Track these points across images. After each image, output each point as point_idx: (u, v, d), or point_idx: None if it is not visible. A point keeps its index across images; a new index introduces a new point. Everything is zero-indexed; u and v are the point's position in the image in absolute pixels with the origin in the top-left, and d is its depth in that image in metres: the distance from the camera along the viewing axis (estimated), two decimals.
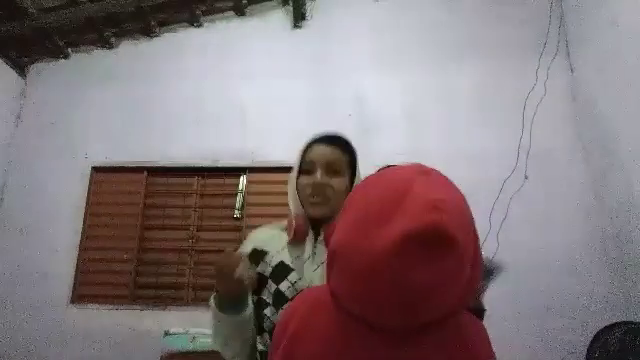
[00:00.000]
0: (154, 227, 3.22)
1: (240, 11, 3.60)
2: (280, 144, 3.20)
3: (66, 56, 3.63)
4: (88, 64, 3.61)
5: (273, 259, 1.02)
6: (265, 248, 1.05)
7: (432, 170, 0.61)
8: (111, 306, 3.02)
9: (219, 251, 3.58)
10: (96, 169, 3.36)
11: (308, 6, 3.53)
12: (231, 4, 3.58)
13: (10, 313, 3.03)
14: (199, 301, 3.01)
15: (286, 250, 1.03)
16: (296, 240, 1.02)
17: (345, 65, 3.38)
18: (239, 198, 3.21)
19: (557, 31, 3.26)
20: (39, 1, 3.19)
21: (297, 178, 1.07)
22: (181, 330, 2.65)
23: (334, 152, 1.05)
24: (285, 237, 1.04)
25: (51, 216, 3.22)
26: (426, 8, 3.49)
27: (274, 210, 3.08)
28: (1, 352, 2.93)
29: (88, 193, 3.29)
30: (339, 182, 1.03)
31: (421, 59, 3.33)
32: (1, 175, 3.35)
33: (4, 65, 3.46)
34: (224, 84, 3.43)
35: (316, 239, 1.02)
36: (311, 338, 0.62)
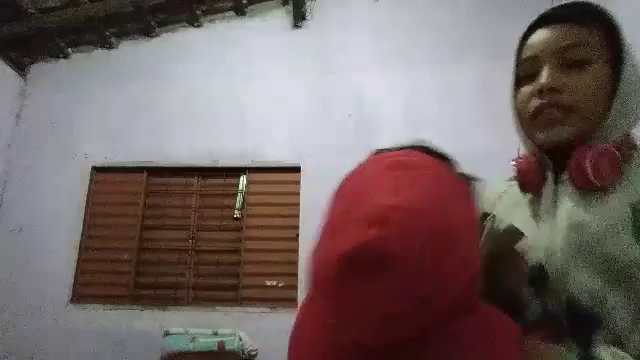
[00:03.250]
0: (154, 227, 3.22)
1: (240, 11, 3.60)
2: (280, 144, 3.21)
3: (66, 56, 3.63)
4: (88, 64, 3.61)
5: (501, 224, 0.67)
6: (492, 209, 0.72)
7: (411, 161, 0.52)
8: (111, 306, 3.02)
9: (219, 251, 3.55)
10: (96, 169, 3.36)
11: (308, 6, 3.53)
12: (231, 4, 3.58)
13: (10, 313, 3.03)
14: (199, 301, 3.01)
15: (522, 205, 0.69)
16: (528, 190, 0.68)
17: (345, 65, 3.38)
18: (239, 198, 3.21)
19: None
20: (39, 1, 3.19)
21: (515, 95, 0.70)
22: (181, 330, 2.65)
23: (570, 31, 0.64)
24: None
25: (51, 216, 3.22)
26: (426, 8, 3.48)
27: (274, 210, 3.08)
28: (1, 352, 2.93)
29: (88, 193, 3.29)
30: (584, 78, 0.62)
31: (421, 59, 3.33)
32: (1, 175, 3.35)
33: (4, 65, 3.46)
34: (224, 84, 3.43)
35: (557, 180, 0.64)
36: (298, 342, 0.58)
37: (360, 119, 3.22)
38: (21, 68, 3.60)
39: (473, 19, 3.42)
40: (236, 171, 3.28)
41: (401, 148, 0.58)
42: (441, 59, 3.33)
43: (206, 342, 2.57)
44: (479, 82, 3.23)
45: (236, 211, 3.19)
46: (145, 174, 3.31)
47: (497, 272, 0.55)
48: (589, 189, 0.60)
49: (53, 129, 3.45)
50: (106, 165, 3.35)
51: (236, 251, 3.08)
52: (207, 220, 3.22)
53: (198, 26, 3.62)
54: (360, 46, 3.41)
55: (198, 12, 3.55)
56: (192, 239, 3.17)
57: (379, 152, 0.59)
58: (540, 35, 0.67)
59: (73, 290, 3.09)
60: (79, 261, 3.15)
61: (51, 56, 3.62)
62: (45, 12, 3.25)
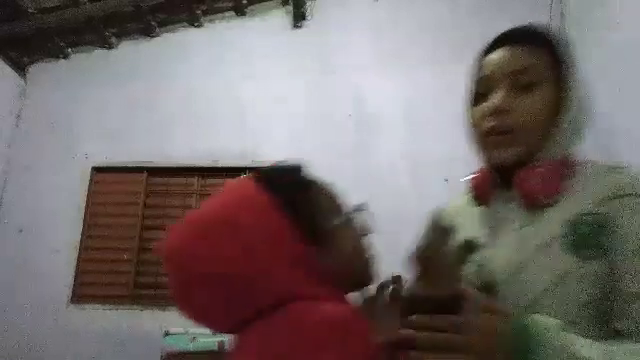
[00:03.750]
0: (154, 227, 3.22)
1: (240, 11, 3.60)
2: (280, 144, 3.20)
3: (66, 56, 3.63)
4: (88, 64, 3.61)
5: (459, 236, 0.69)
6: (453, 223, 0.72)
7: (229, 183, 0.67)
8: (111, 306, 3.02)
9: None
10: (96, 169, 3.36)
11: (308, 6, 3.53)
12: (231, 4, 3.58)
13: (10, 313, 3.03)
14: None
15: (476, 219, 0.73)
16: (482, 204, 0.73)
17: (345, 65, 3.38)
18: None
19: (557, 31, 3.26)
20: (39, 1, 3.20)
21: (470, 111, 0.76)
22: (181, 330, 2.65)
23: (521, 54, 0.68)
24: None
25: (51, 216, 3.22)
26: (426, 8, 3.48)
27: None
28: (1, 352, 2.93)
29: (88, 193, 3.29)
30: (533, 100, 0.67)
31: (421, 59, 3.33)
32: (1, 175, 3.35)
33: (4, 65, 3.46)
34: (224, 84, 3.43)
35: (508, 196, 0.70)
36: None
37: (360, 119, 3.22)
38: (21, 68, 3.60)
39: (473, 19, 3.41)
40: (236, 171, 3.27)
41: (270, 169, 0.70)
42: (441, 59, 3.33)
43: (206, 342, 2.57)
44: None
45: None
46: (145, 174, 3.31)
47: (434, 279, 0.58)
48: (534, 205, 0.66)
49: (53, 129, 3.45)
50: (106, 165, 3.35)
51: None
52: None
53: (198, 26, 3.62)
54: (360, 46, 3.41)
55: (198, 12, 3.54)
56: None
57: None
58: (495, 56, 0.71)
59: (73, 290, 3.09)
60: (79, 261, 3.15)
61: (51, 56, 3.62)
62: (45, 12, 3.25)
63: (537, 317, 0.55)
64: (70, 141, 3.40)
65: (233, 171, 3.27)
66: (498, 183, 0.71)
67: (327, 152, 3.15)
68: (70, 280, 3.10)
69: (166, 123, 3.38)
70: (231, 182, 0.68)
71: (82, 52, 3.64)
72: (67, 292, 3.07)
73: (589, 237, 0.61)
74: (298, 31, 3.55)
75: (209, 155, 3.27)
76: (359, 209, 0.69)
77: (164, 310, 2.96)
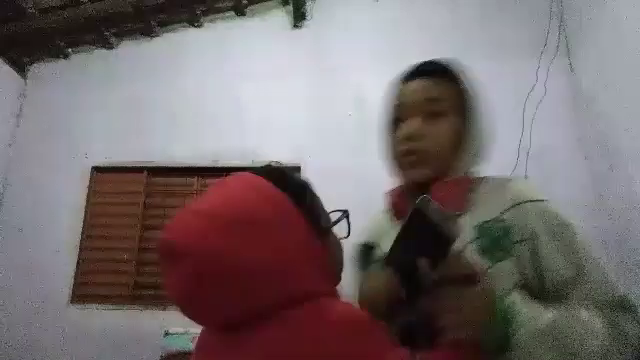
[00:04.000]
0: (154, 227, 3.22)
1: (240, 11, 3.60)
2: (280, 144, 3.20)
3: (66, 56, 3.63)
4: (88, 64, 3.61)
5: (381, 251, 0.80)
6: (373, 240, 0.85)
7: (222, 182, 0.66)
8: (111, 306, 3.02)
9: None
10: (96, 169, 3.36)
11: (308, 6, 3.53)
12: (231, 4, 3.58)
13: (10, 313, 3.03)
14: None
15: (395, 234, 0.82)
16: (399, 219, 0.80)
17: (345, 65, 3.38)
18: None
19: (557, 31, 3.26)
20: (39, 1, 3.19)
21: (387, 134, 0.85)
22: (181, 330, 2.65)
23: (432, 86, 0.81)
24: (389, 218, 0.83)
25: (51, 216, 3.22)
26: (426, 8, 3.49)
27: None
28: (1, 352, 2.93)
29: (88, 193, 3.29)
30: (441, 127, 0.78)
31: (421, 59, 3.32)
32: (1, 175, 3.35)
33: (4, 65, 3.46)
34: (224, 84, 3.43)
35: None
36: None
37: (360, 119, 3.22)
38: (21, 68, 3.60)
39: (473, 19, 3.42)
40: (236, 171, 3.26)
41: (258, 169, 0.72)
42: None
43: None
44: (479, 82, 3.22)
45: None
46: (145, 174, 3.31)
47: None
48: None
49: (53, 129, 3.45)
50: (106, 165, 3.35)
51: None
52: None
53: (198, 26, 3.62)
54: (360, 46, 3.41)
55: (198, 12, 3.55)
56: None
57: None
58: (409, 86, 0.82)
59: (73, 290, 3.09)
60: (79, 261, 3.15)
61: (51, 56, 3.62)
62: (45, 12, 3.25)
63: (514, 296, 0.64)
64: (70, 141, 3.40)
65: (233, 171, 3.24)
66: (413, 199, 0.78)
67: (327, 152, 3.15)
68: (70, 280, 3.10)
69: (166, 123, 3.38)
70: (236, 177, 0.67)
71: (82, 52, 3.64)
72: (67, 292, 3.07)
73: (496, 241, 0.71)
74: (298, 31, 3.55)
75: (209, 155, 3.27)
76: (340, 213, 0.72)
77: (164, 310, 2.96)
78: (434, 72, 0.82)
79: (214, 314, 0.59)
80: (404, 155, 0.79)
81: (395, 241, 0.64)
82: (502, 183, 0.79)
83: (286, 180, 0.65)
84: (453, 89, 0.81)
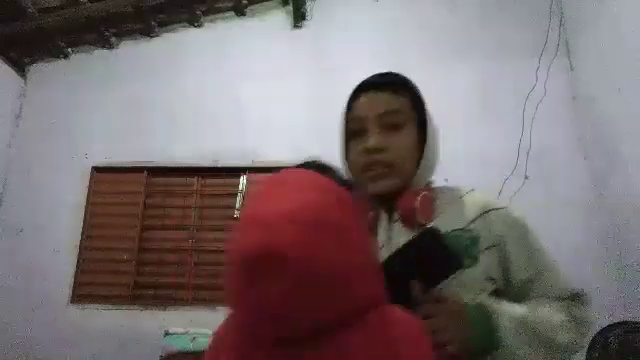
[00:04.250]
0: (154, 227, 3.22)
1: (240, 11, 3.60)
2: (280, 144, 3.20)
3: (66, 56, 3.63)
4: (88, 64, 3.60)
5: None
6: None
7: (295, 173, 0.61)
8: (111, 306, 3.02)
9: (219, 251, 3.55)
10: (96, 169, 3.36)
11: (308, 6, 3.53)
12: (231, 4, 3.58)
13: (10, 313, 3.03)
14: (199, 301, 3.00)
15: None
16: (369, 229, 0.81)
17: (345, 65, 3.37)
18: (239, 198, 3.21)
19: (557, 31, 3.26)
20: (39, 1, 3.19)
21: (346, 147, 0.87)
22: (181, 330, 2.65)
23: (389, 99, 0.82)
24: None
25: (51, 216, 3.22)
26: (426, 8, 3.48)
27: None
28: (1, 352, 2.93)
29: (88, 193, 3.29)
30: (402, 138, 0.80)
31: (421, 59, 3.33)
32: (1, 175, 3.35)
33: (4, 65, 3.46)
34: (224, 84, 3.43)
35: (390, 218, 0.80)
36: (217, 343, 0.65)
37: None
38: (21, 68, 3.60)
39: (473, 19, 3.42)
40: (236, 171, 3.28)
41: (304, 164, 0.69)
42: (441, 59, 3.33)
43: (206, 342, 2.55)
44: (479, 82, 3.23)
45: (236, 211, 3.19)
46: (145, 174, 3.31)
47: None
48: (414, 224, 0.77)
49: (53, 129, 3.45)
50: (106, 165, 3.35)
51: None
52: (207, 220, 3.21)
53: (198, 26, 3.62)
54: (360, 46, 3.41)
55: (198, 12, 3.55)
56: (192, 239, 3.17)
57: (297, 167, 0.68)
58: (366, 99, 0.84)
59: (73, 290, 3.09)
60: (79, 261, 3.15)
61: (51, 56, 3.62)
62: (45, 12, 3.25)
63: (483, 300, 0.71)
64: (70, 141, 3.40)
65: (233, 171, 3.28)
66: (379, 209, 0.81)
67: (327, 152, 3.14)
68: (70, 280, 3.10)
69: (166, 123, 3.38)
70: (296, 175, 0.61)
71: (82, 52, 3.64)
72: (67, 292, 3.06)
73: (466, 249, 0.74)
74: (298, 31, 3.55)
75: (209, 155, 3.27)
76: None
77: (164, 310, 2.96)
78: (389, 85, 0.83)
79: (307, 322, 0.54)
80: (367, 168, 0.80)
81: (391, 257, 0.67)
82: (458, 194, 0.83)
83: (338, 178, 0.64)
84: (409, 101, 0.83)
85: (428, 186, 0.85)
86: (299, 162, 0.71)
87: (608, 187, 2.81)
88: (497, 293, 0.76)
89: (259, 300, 0.51)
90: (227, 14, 3.63)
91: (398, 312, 0.58)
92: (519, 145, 3.03)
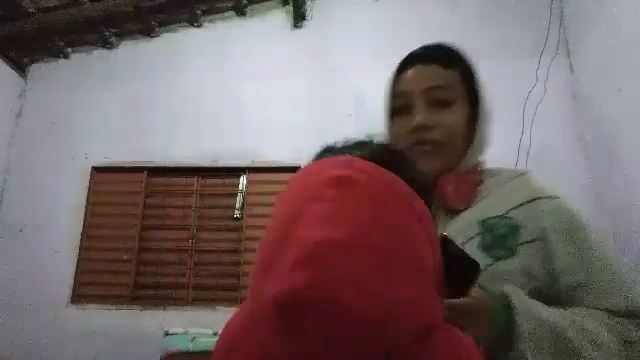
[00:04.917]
0: (154, 227, 3.22)
1: (240, 11, 3.60)
2: (280, 144, 3.20)
3: (66, 56, 3.63)
4: (88, 64, 3.60)
5: None
6: None
7: (351, 178, 0.45)
8: (111, 306, 3.02)
9: (219, 251, 3.55)
10: (96, 169, 3.36)
11: (308, 6, 3.53)
12: (231, 4, 3.58)
13: (10, 313, 3.03)
14: (199, 301, 3.00)
15: None
16: None
17: (345, 65, 3.38)
18: (239, 198, 3.21)
19: (557, 31, 3.26)
20: (39, 1, 3.19)
21: (390, 124, 0.78)
22: (181, 330, 2.65)
23: (437, 72, 0.75)
24: None
25: (51, 216, 3.22)
26: (426, 8, 3.48)
27: None
28: (1, 352, 2.93)
29: (88, 193, 3.29)
30: (451, 116, 0.73)
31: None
32: (1, 175, 3.35)
33: (4, 65, 3.45)
34: (224, 84, 3.43)
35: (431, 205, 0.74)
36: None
37: (360, 119, 3.21)
38: (21, 68, 3.60)
39: (473, 19, 3.42)
40: (236, 171, 3.28)
41: (353, 145, 0.57)
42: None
43: (206, 342, 2.57)
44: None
45: (236, 211, 3.19)
46: (145, 174, 3.31)
47: None
48: (451, 209, 0.72)
49: (53, 129, 3.45)
50: (106, 165, 3.35)
51: (236, 251, 3.08)
52: (207, 220, 3.22)
53: (198, 26, 3.62)
54: (360, 46, 3.41)
55: (198, 12, 3.54)
56: (192, 239, 3.16)
57: (324, 153, 0.58)
58: (412, 73, 0.76)
59: (73, 290, 3.09)
60: (79, 261, 3.15)
61: (51, 56, 3.62)
62: (45, 12, 3.25)
63: (508, 289, 0.62)
64: (70, 141, 3.40)
65: (233, 171, 3.28)
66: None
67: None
68: (70, 280, 3.10)
69: (166, 123, 3.37)
70: (362, 174, 0.46)
71: (82, 52, 3.64)
72: (67, 292, 3.06)
73: (500, 239, 0.68)
74: (298, 31, 3.55)
75: (209, 155, 3.27)
76: None
77: (164, 310, 2.96)
78: (438, 57, 0.77)
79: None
80: (413, 146, 0.72)
81: None
82: (510, 177, 0.76)
83: (409, 172, 0.49)
84: (460, 75, 0.76)
85: (476, 167, 0.78)
86: (349, 142, 0.57)
87: (608, 187, 2.81)
88: (540, 294, 0.65)
89: (295, 348, 0.40)
90: (227, 14, 3.63)
91: (456, 331, 0.49)
92: (519, 145, 3.03)
